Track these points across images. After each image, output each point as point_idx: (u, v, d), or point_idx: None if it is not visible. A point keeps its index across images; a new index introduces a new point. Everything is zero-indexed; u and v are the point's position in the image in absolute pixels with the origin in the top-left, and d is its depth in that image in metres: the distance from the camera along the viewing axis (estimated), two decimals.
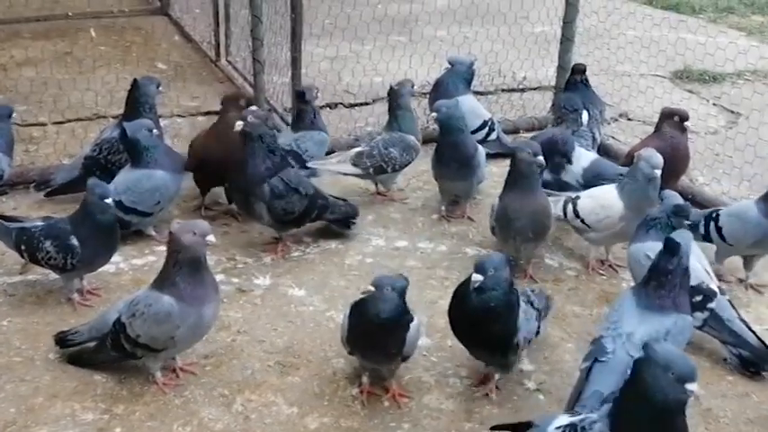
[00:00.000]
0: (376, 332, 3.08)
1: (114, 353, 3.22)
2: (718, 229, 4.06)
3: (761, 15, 8.81)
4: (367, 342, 3.15)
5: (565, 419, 2.63)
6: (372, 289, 3.04)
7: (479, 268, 3.04)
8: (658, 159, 4.00)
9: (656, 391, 2.40)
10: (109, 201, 3.63)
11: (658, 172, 3.99)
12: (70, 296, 3.75)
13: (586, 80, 5.26)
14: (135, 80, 4.58)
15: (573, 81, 5.26)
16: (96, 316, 3.42)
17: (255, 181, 4.05)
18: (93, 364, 3.33)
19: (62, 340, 3.37)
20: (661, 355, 2.42)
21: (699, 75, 6.99)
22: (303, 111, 4.80)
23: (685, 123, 4.58)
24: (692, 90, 6.73)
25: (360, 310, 3.13)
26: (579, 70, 5.27)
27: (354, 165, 4.70)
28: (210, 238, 3.16)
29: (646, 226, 3.71)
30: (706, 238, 4.06)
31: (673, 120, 4.57)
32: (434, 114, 4.49)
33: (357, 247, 4.37)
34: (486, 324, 3.12)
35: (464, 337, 3.26)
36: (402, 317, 3.09)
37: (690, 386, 2.38)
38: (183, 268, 3.12)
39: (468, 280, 3.11)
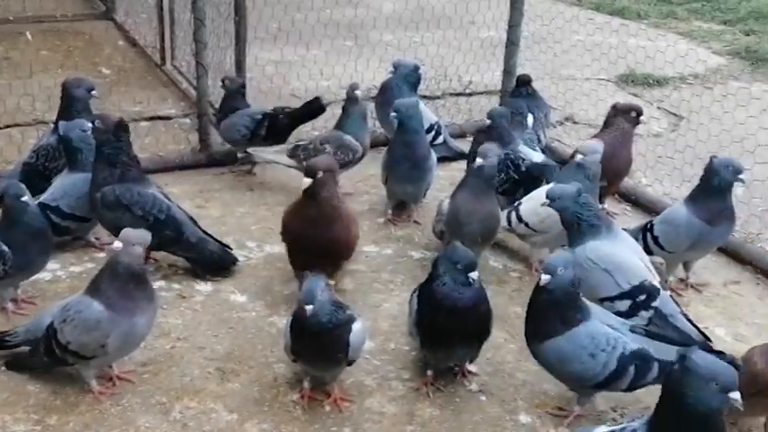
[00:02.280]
0: (315, 342, 3.05)
1: (47, 359, 3.14)
2: (655, 239, 4.08)
3: (702, 21, 8.99)
4: (311, 351, 3.12)
5: (604, 430, 2.62)
6: (311, 307, 2.97)
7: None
8: (600, 146, 4.09)
9: (700, 403, 2.39)
10: (25, 199, 3.54)
11: (599, 156, 4.05)
12: (3, 305, 3.65)
13: (532, 89, 5.30)
14: (64, 82, 4.49)
15: (518, 92, 5.31)
16: (34, 318, 3.34)
17: (93, 189, 3.89)
18: (30, 369, 3.25)
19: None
20: (703, 366, 2.39)
21: (643, 78, 7.10)
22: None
23: (641, 117, 4.63)
24: (637, 93, 6.82)
25: (299, 323, 3.08)
26: (524, 81, 5.32)
27: (290, 156, 4.75)
28: (137, 249, 3.09)
29: (570, 228, 3.67)
30: (646, 250, 4.00)
31: (629, 115, 4.62)
32: (393, 114, 4.47)
33: None
34: (475, 315, 3.24)
35: (445, 335, 3.22)
36: (341, 321, 3.05)
37: (733, 395, 2.38)
38: (116, 277, 3.05)
39: (429, 279, 3.25)
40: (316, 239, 3.60)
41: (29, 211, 3.56)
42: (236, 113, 4.94)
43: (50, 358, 3.13)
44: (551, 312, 3.09)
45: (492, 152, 3.96)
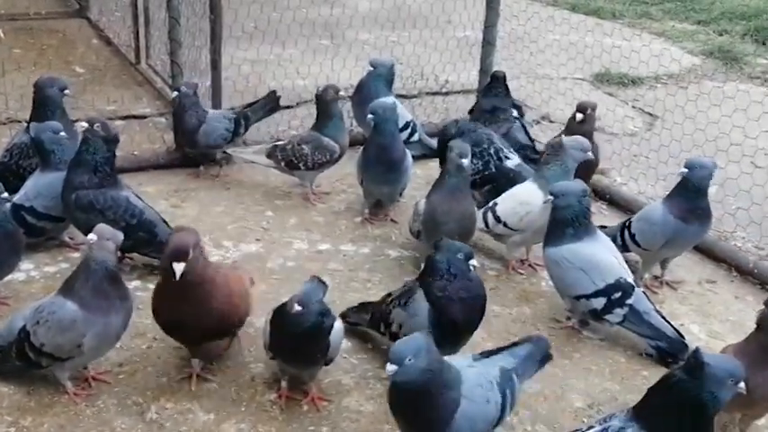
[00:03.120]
0: (299, 340, 3.03)
1: (19, 362, 3.10)
2: (632, 236, 4.11)
3: (677, 21, 9.07)
4: (291, 349, 3.10)
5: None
6: (300, 308, 2.95)
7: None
8: (587, 143, 4.15)
9: (717, 399, 2.47)
10: (5, 195, 3.53)
11: (590, 154, 4.11)
12: None
13: (506, 87, 5.33)
14: (36, 81, 4.44)
15: (493, 87, 5.34)
16: (5, 322, 3.29)
17: (67, 191, 3.86)
18: (2, 373, 3.21)
19: None
20: (719, 366, 2.47)
21: (618, 78, 7.15)
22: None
23: (577, 115, 4.67)
24: (612, 93, 6.87)
25: (282, 320, 3.06)
26: (497, 77, 5.35)
27: (268, 156, 4.78)
28: (110, 244, 3.07)
29: (559, 226, 3.70)
30: (624, 248, 4.05)
31: (575, 121, 4.67)
32: (370, 116, 4.46)
33: (279, 251, 4.32)
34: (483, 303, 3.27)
35: (461, 328, 3.26)
36: (324, 323, 3.04)
37: (741, 385, 2.50)
38: (89, 275, 3.03)
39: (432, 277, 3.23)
40: (196, 323, 3.12)
41: (1, 210, 3.52)
42: (207, 119, 4.91)
43: (24, 361, 3.09)
44: (418, 408, 2.68)
45: (468, 149, 3.97)
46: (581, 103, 4.80)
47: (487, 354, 2.95)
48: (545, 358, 3.03)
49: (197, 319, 3.09)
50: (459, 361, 2.84)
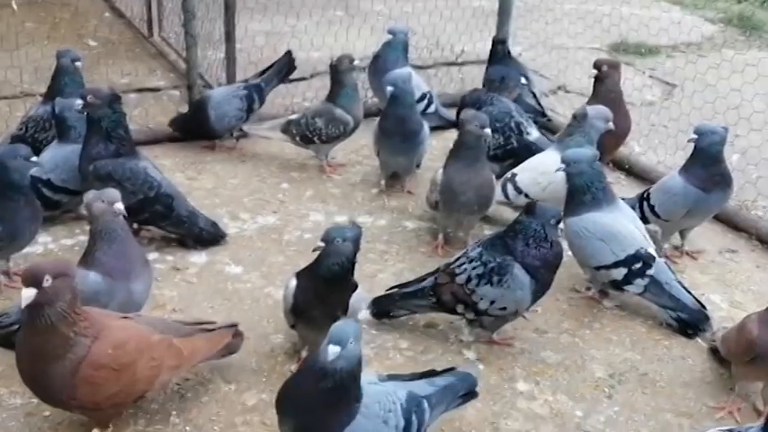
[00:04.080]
0: (325, 291, 3.01)
1: None
2: (651, 207, 4.07)
3: None
4: (314, 304, 3.05)
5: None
6: (322, 244, 2.98)
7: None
8: (609, 113, 4.11)
9: None
10: (35, 159, 3.53)
11: (612, 124, 4.06)
12: None
13: (508, 51, 5.33)
14: (57, 53, 4.42)
15: (495, 53, 5.30)
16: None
17: (84, 162, 3.83)
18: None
19: None
20: None
21: (635, 47, 7.06)
22: None
23: (599, 72, 4.62)
24: (629, 62, 6.76)
25: (309, 271, 3.06)
26: (500, 41, 5.32)
27: (283, 131, 4.76)
28: (118, 206, 3.06)
29: (576, 195, 3.66)
30: (643, 219, 4.00)
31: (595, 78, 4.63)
32: (389, 88, 4.41)
33: (295, 223, 4.30)
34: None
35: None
36: (353, 267, 3.04)
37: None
38: (103, 241, 3.02)
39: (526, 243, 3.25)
40: (31, 382, 2.63)
41: (25, 174, 3.51)
42: (219, 102, 4.84)
43: None
44: (334, 399, 2.43)
45: (487, 119, 3.92)
46: (597, 60, 4.78)
47: (398, 377, 2.79)
48: (469, 394, 2.85)
49: (45, 383, 2.55)
50: (362, 377, 2.56)
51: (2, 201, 3.50)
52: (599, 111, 4.12)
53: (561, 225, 3.29)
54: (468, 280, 3.31)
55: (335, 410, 2.41)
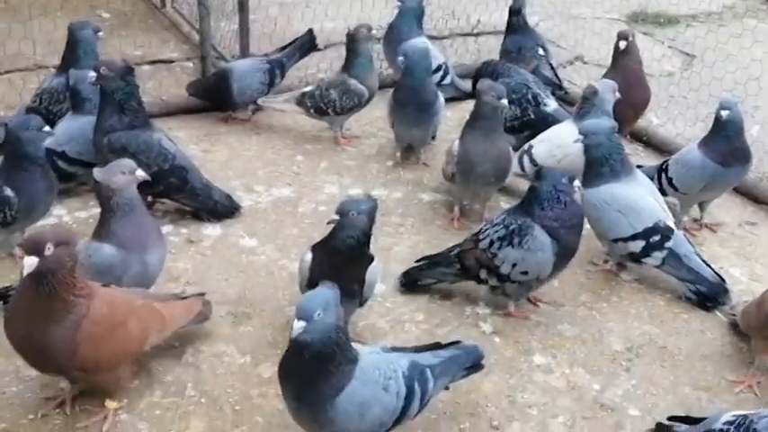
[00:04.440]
0: (341, 264, 2.98)
1: None
2: (669, 180, 4.02)
3: None
4: (330, 278, 2.98)
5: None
6: (337, 217, 2.96)
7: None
8: (614, 84, 4.09)
9: None
10: (47, 129, 3.52)
11: (618, 93, 4.05)
12: (11, 251, 3.61)
13: (526, 21, 5.27)
14: (70, 25, 4.38)
15: (512, 23, 5.23)
16: None
17: (98, 134, 3.79)
18: None
19: (4, 297, 3.20)
20: None
21: (654, 17, 6.95)
22: None
23: (620, 43, 4.56)
24: (648, 32, 6.68)
25: (325, 244, 3.04)
26: (516, 11, 5.27)
27: (298, 104, 4.73)
28: (140, 173, 3.08)
29: (594, 166, 3.61)
30: (661, 191, 3.93)
31: (617, 46, 4.56)
32: (401, 58, 4.36)
33: (310, 195, 4.27)
34: None
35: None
36: (368, 240, 3.03)
37: None
38: (118, 213, 3.01)
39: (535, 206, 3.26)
40: (28, 349, 2.61)
41: (40, 144, 3.49)
42: (242, 74, 4.80)
43: None
44: (315, 371, 2.40)
45: (503, 90, 3.87)
46: (622, 31, 4.72)
47: (402, 349, 2.79)
48: (474, 367, 2.84)
49: (40, 346, 2.55)
50: (362, 348, 2.60)
51: (17, 173, 3.49)
52: (606, 85, 4.10)
53: (576, 183, 3.27)
54: (491, 243, 3.32)
55: (326, 376, 2.41)
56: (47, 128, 3.54)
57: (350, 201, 3.07)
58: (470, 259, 3.38)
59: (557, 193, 3.24)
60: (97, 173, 3.06)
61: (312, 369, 2.39)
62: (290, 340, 2.41)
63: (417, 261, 3.57)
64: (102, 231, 3.04)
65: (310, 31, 5.14)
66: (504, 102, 3.85)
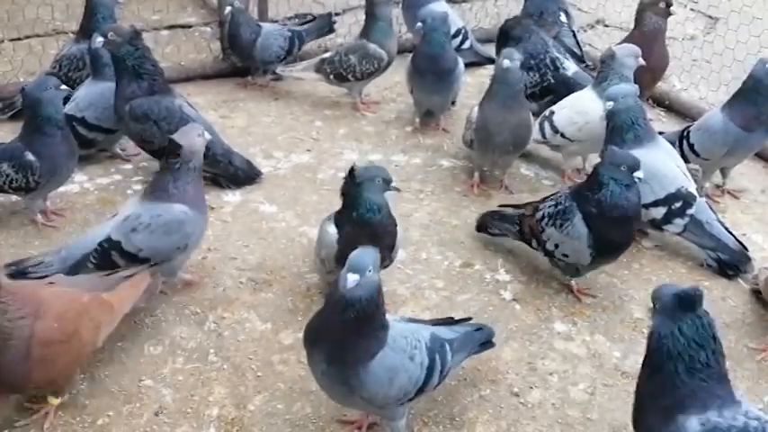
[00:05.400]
0: (370, 234, 2.94)
1: (99, 273, 3.05)
2: (691, 146, 3.97)
3: None
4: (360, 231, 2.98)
5: None
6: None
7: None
8: (637, 49, 4.00)
9: None
10: (65, 87, 3.55)
11: (642, 60, 3.95)
12: (34, 217, 3.64)
13: None
14: None
15: None
16: (60, 247, 3.17)
17: (120, 101, 3.79)
18: None
19: (23, 273, 3.02)
20: None
21: None
22: None
23: (671, 8, 4.48)
24: None
25: (349, 217, 3.01)
26: None
27: (317, 71, 4.71)
28: (207, 135, 3.23)
29: (620, 132, 3.55)
30: (682, 157, 3.87)
31: (657, 7, 4.45)
32: (419, 24, 4.32)
33: (329, 162, 4.27)
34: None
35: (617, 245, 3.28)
36: (388, 209, 3.06)
37: None
38: (191, 174, 3.10)
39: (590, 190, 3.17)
40: None
41: (60, 104, 3.51)
42: (263, 34, 4.79)
43: (101, 270, 3.05)
44: (356, 330, 2.41)
45: (516, 54, 3.81)
46: None
47: (418, 320, 2.80)
48: (487, 344, 2.86)
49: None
50: (389, 315, 2.58)
51: (39, 136, 3.50)
52: (626, 49, 4.00)
53: (638, 174, 3.09)
54: (542, 217, 3.31)
55: (363, 338, 2.42)
56: (64, 87, 3.55)
57: (366, 167, 3.05)
58: (526, 225, 3.41)
59: (608, 179, 3.12)
60: (178, 137, 3.11)
61: (351, 330, 2.39)
62: (329, 300, 2.43)
63: (500, 206, 3.64)
64: (165, 191, 3.08)
65: (329, 14, 5.19)
66: (507, 62, 3.75)
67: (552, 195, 3.40)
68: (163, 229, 3.03)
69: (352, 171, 2.99)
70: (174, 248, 3.09)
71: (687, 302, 2.27)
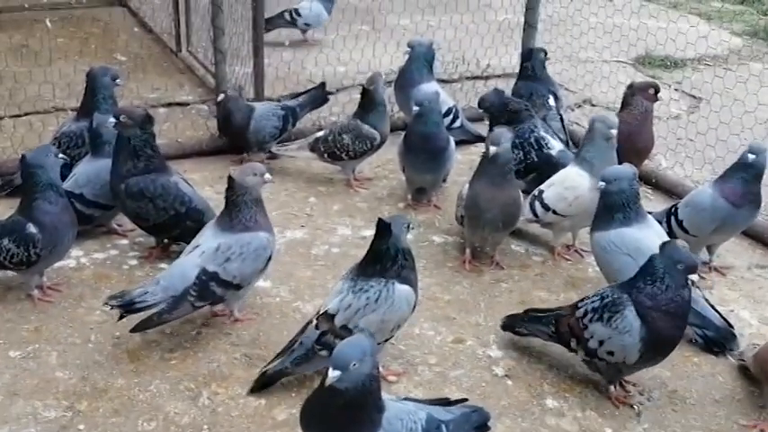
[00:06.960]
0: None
1: (199, 303, 3.35)
2: (680, 223, 4.05)
3: (719, 1, 8.89)
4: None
5: None
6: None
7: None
8: (613, 119, 4.11)
9: None
10: (62, 156, 3.68)
11: (615, 131, 4.04)
12: (30, 292, 3.67)
13: (542, 65, 5.30)
14: (89, 71, 4.49)
15: (523, 70, 5.31)
16: (155, 282, 3.35)
17: (115, 179, 3.89)
18: (159, 324, 3.35)
19: (130, 304, 3.26)
20: None
21: (660, 60, 7.05)
22: None
23: (659, 94, 4.67)
24: (654, 75, 6.75)
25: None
26: (527, 55, 5.34)
27: (311, 150, 4.80)
28: (268, 176, 3.54)
29: (609, 211, 3.65)
30: (671, 234, 3.93)
31: (647, 92, 4.63)
32: (416, 108, 4.43)
33: (323, 237, 4.33)
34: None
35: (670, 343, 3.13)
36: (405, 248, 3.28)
37: None
38: (254, 204, 3.45)
39: (644, 280, 3.05)
40: None
41: (58, 171, 3.62)
42: (255, 117, 4.90)
43: (203, 302, 3.37)
44: (347, 417, 2.44)
45: (504, 137, 3.90)
46: (653, 83, 4.87)
47: (414, 400, 2.79)
48: (482, 427, 2.80)
49: None
50: (384, 396, 2.58)
51: (40, 204, 3.54)
52: (603, 118, 4.10)
53: (693, 277, 3.04)
54: (585, 314, 3.20)
55: (358, 423, 2.44)
56: (62, 155, 3.66)
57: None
58: (564, 325, 3.26)
59: (664, 272, 3.03)
60: (233, 173, 3.49)
61: (342, 416, 2.42)
62: (320, 386, 2.45)
63: (525, 312, 3.50)
64: (240, 222, 3.42)
65: (323, 84, 5.27)
66: (493, 149, 3.83)
67: (593, 295, 3.26)
68: (252, 256, 3.40)
69: (388, 227, 3.14)
70: (258, 272, 3.47)
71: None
